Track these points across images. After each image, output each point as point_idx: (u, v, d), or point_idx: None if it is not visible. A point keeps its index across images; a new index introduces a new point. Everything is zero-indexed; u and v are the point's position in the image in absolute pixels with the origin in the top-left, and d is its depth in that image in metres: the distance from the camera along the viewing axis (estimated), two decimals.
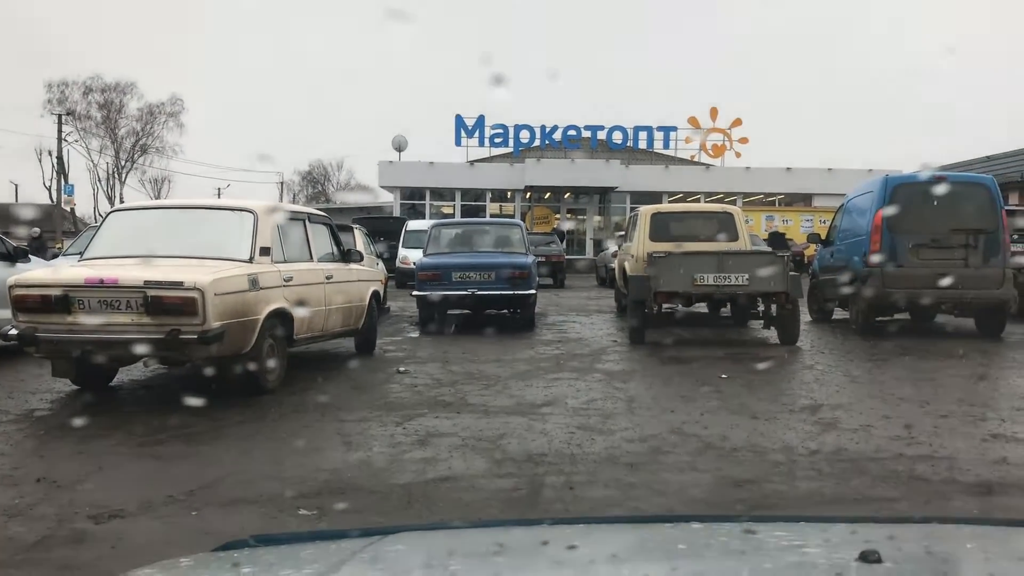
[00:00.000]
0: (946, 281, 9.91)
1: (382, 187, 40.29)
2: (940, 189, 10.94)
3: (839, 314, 12.49)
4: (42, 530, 3.78)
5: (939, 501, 4.23)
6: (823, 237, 13.37)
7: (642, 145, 37.19)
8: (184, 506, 4.11)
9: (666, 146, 37.30)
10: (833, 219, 13.24)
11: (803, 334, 10.35)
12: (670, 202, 32.55)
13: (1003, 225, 10.62)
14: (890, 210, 10.52)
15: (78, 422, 5.95)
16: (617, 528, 1.63)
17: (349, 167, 73.27)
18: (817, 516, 3.01)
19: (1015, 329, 11.17)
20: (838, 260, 12.00)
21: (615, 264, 15.57)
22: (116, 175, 53.95)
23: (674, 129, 36.90)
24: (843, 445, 5.30)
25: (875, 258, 10.56)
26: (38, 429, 5.89)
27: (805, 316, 11.57)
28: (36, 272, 6.99)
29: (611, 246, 21.36)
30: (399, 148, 36.50)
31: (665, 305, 10.33)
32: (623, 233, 16.24)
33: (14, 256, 9.07)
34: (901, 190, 10.77)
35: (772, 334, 10.38)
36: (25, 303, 6.30)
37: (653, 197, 32.44)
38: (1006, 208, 11.54)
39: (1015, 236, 12.98)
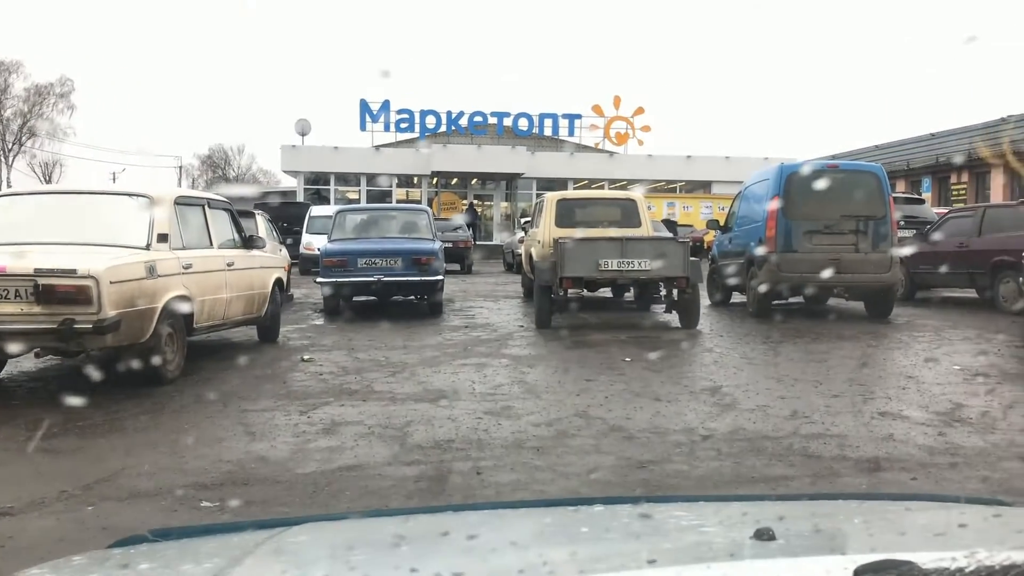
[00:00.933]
0: (836, 266, 10.34)
1: (285, 172, 39.55)
2: (832, 177, 11.38)
3: (737, 298, 12.86)
4: None
5: (831, 477, 4.42)
6: (722, 224, 13.73)
7: (547, 132, 37.41)
8: (79, 501, 3.98)
9: (571, 133, 37.62)
10: (731, 206, 13.61)
11: (703, 318, 10.62)
12: (575, 189, 32.88)
13: (891, 212, 11.10)
14: (785, 198, 10.88)
15: None
16: (521, 513, 1.65)
17: (251, 152, 71.66)
18: (714, 495, 3.12)
19: (902, 311, 11.71)
20: (736, 246, 12.35)
21: (522, 250, 15.66)
22: (2, 159, 51.41)
23: (579, 117, 37.24)
24: (741, 425, 5.48)
25: (770, 244, 10.91)
26: None
27: (705, 300, 11.88)
28: None
29: (517, 232, 21.48)
30: (303, 132, 35.80)
31: (570, 290, 10.46)
32: (529, 219, 16.35)
33: None
34: (795, 178, 11.15)
35: (673, 318, 10.62)
36: None
37: (559, 184, 32.71)
38: (893, 195, 12.08)
39: (902, 223, 13.60)
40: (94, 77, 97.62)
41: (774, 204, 10.96)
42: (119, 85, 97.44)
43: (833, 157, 30.44)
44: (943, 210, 17.60)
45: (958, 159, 27.91)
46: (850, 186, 11.28)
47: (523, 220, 22.62)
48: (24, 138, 52.22)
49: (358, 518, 1.78)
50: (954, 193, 29.70)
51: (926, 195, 28.22)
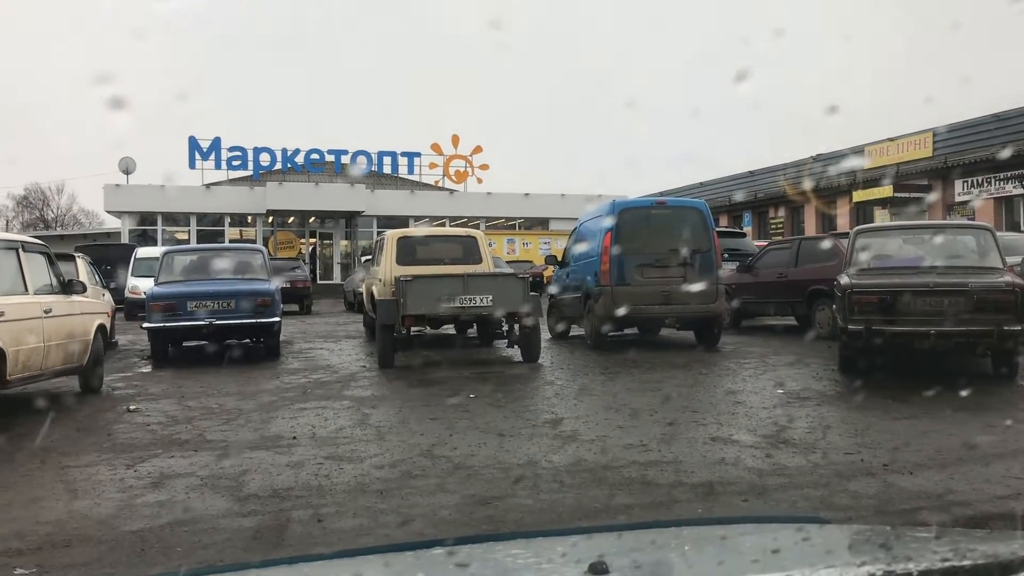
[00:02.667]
0: (667, 298, 10.79)
1: (108, 212, 37.59)
2: (660, 213, 11.92)
3: (576, 331, 13.16)
4: None
5: (669, 504, 4.57)
6: (559, 259, 14.06)
7: (387, 170, 37.34)
8: None
9: (410, 171, 37.71)
10: (568, 242, 13.97)
11: (544, 351, 10.81)
12: (416, 226, 32.91)
13: (715, 245, 11.70)
14: (617, 233, 11.28)
15: None
16: (360, 561, 1.62)
17: (71, 191, 67.68)
18: (552, 530, 3.15)
19: (729, 339, 12.32)
20: (573, 280, 12.67)
21: (363, 288, 15.48)
22: None
23: (418, 155, 37.40)
24: (582, 456, 5.58)
25: (605, 277, 11.26)
26: None
27: (545, 334, 12.09)
28: None
29: (358, 271, 21.24)
30: (127, 171, 34.20)
31: (413, 328, 10.41)
32: (370, 257, 16.20)
33: None
34: (626, 214, 11.59)
35: (516, 352, 10.75)
36: None
37: (399, 221, 32.67)
38: (717, 230, 12.74)
39: (725, 255, 14.35)
40: None
41: (607, 239, 11.33)
42: None
43: (661, 194, 31.96)
44: (763, 243, 18.70)
45: (775, 194, 29.88)
46: (677, 221, 11.83)
47: (364, 258, 22.39)
48: None
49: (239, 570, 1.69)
50: (772, 227, 31.70)
51: (747, 229, 30.00)
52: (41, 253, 7.95)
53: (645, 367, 9.95)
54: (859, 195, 26.16)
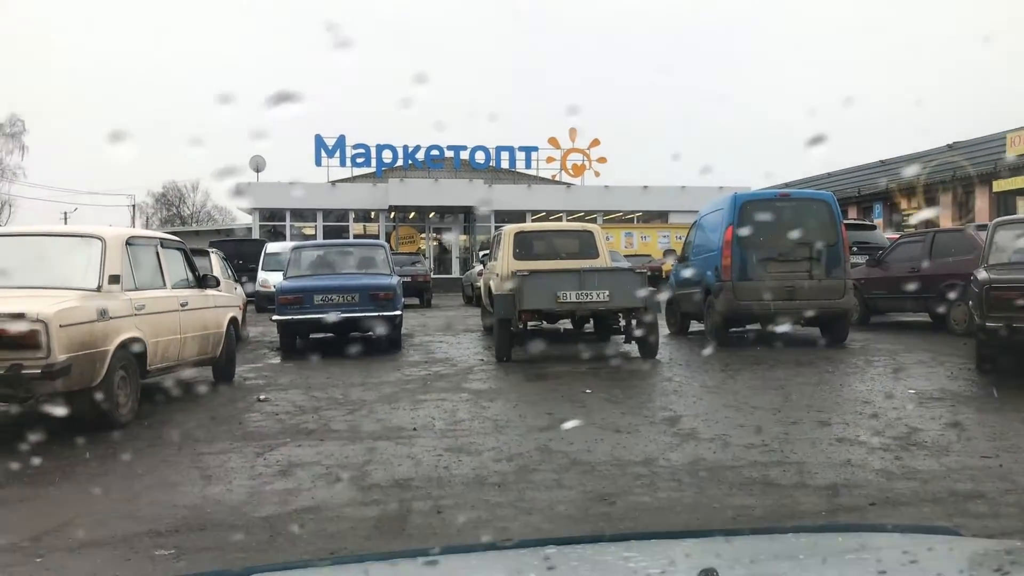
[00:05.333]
0: (792, 293, 10.49)
1: (240, 209, 39.24)
2: (784, 205, 11.57)
3: (695, 327, 12.95)
4: None
5: (790, 506, 4.44)
6: (679, 253, 13.85)
7: (504, 165, 37.62)
8: (28, 554, 3.86)
9: (528, 166, 37.87)
10: (687, 235, 13.76)
11: (662, 347, 10.68)
12: (533, 221, 33.05)
13: (843, 238, 11.30)
14: (739, 226, 11.03)
15: None
16: (480, 556, 1.63)
17: (205, 188, 70.85)
18: (663, 532, 3.11)
19: (857, 336, 11.88)
20: (693, 275, 12.47)
21: (481, 283, 15.67)
22: None
23: (535, 149, 37.51)
24: (701, 455, 5.49)
25: (726, 272, 11.03)
26: None
27: (663, 329, 11.95)
28: None
29: (476, 265, 21.50)
30: (257, 169, 35.61)
31: (530, 322, 10.46)
32: (488, 252, 16.38)
33: None
34: (749, 207, 11.32)
35: (633, 348, 10.66)
36: None
37: (516, 216, 32.87)
38: (845, 222, 12.29)
39: (854, 248, 13.83)
40: (45, 116, 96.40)
41: (729, 233, 11.10)
42: (71, 124, 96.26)
43: (785, 186, 31.02)
44: (894, 235, 17.95)
45: (907, 185, 28.59)
46: (803, 214, 11.48)
47: (482, 253, 22.65)
48: None
49: (313, 566, 1.75)
50: (904, 218, 30.37)
51: (877, 221, 28.82)
52: (178, 249, 8.36)
53: (768, 364, 9.70)
54: (1000, 184, 24.77)
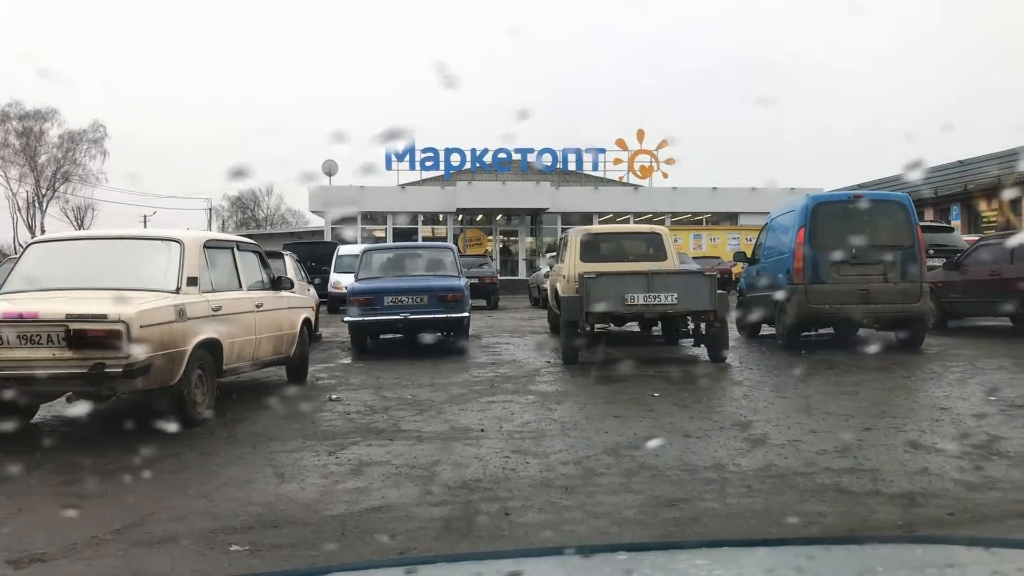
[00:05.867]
0: (866, 297, 10.26)
1: (313, 212, 39.96)
2: (859, 207, 11.31)
3: (766, 330, 12.75)
4: None
5: (864, 514, 4.35)
6: (749, 255, 13.67)
7: (571, 167, 37.57)
8: (110, 546, 4.00)
9: (595, 168, 37.75)
10: (758, 237, 13.55)
11: (731, 351, 10.55)
12: (600, 223, 32.93)
13: (919, 241, 11.00)
14: (811, 228, 10.83)
15: None
16: (549, 561, 1.64)
17: (279, 192, 72.35)
18: (736, 540, 3.06)
19: (934, 341, 11.55)
20: (764, 277, 12.27)
21: (547, 285, 15.68)
22: (37, 204, 52.45)
23: (602, 151, 37.39)
24: (772, 461, 5.41)
25: (798, 275, 10.84)
26: None
27: (733, 333, 11.79)
28: None
29: (542, 267, 21.51)
30: (329, 173, 36.28)
31: (597, 325, 10.43)
32: (555, 254, 16.38)
33: None
34: (822, 209, 11.10)
35: (702, 352, 10.55)
36: None
37: (583, 218, 32.80)
38: (921, 224, 11.97)
39: (931, 251, 13.45)
40: (125, 122, 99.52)
41: (801, 235, 10.91)
42: (150, 129, 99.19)
43: (859, 187, 30.30)
44: (973, 238, 17.40)
45: (987, 186, 27.67)
46: (877, 215, 11.21)
47: (548, 255, 22.65)
48: (58, 184, 53.25)
49: (385, 566, 1.78)
50: (984, 221, 29.39)
51: (955, 223, 27.96)
52: (253, 252, 8.56)
53: (840, 369, 9.50)
54: None
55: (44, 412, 7.33)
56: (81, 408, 6.12)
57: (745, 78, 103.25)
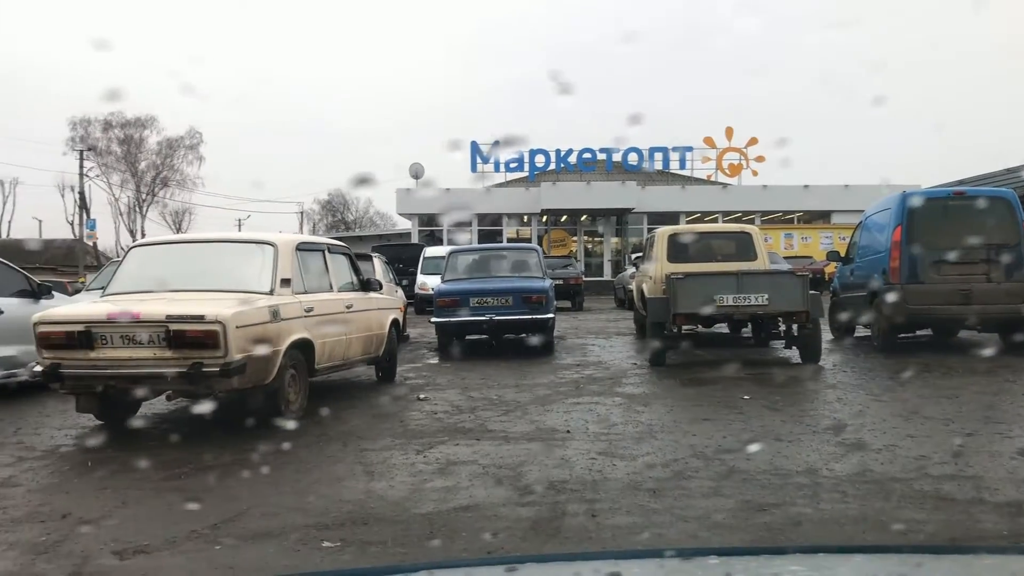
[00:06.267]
0: (967, 297, 9.86)
1: (400, 215, 40.55)
2: (959, 204, 10.89)
3: (860, 332, 12.40)
4: (68, 567, 3.80)
5: (967, 523, 4.18)
6: (842, 254, 13.31)
7: (658, 166, 37.22)
8: (208, 540, 4.13)
9: (682, 166, 37.32)
10: (852, 236, 13.18)
11: (825, 353, 10.29)
12: (687, 222, 32.54)
13: None
14: (908, 226, 10.48)
15: (102, 457, 6.01)
16: (648, 563, 1.61)
17: (367, 195, 73.69)
18: (834, 546, 2.97)
19: None
20: (858, 277, 11.93)
21: (633, 286, 15.56)
22: (137, 209, 54.65)
23: (690, 149, 36.94)
24: (868, 466, 5.25)
25: (895, 275, 10.50)
26: (63, 465, 5.94)
27: (826, 334, 11.50)
28: (59, 308, 7.08)
29: (628, 268, 21.36)
30: (416, 176, 36.80)
31: (685, 326, 10.30)
32: (641, 255, 16.24)
33: (38, 293, 9.18)
34: (920, 206, 10.73)
35: (793, 354, 10.32)
36: (49, 339, 6.37)
37: (670, 218, 32.46)
38: None
39: None
40: (220, 129, 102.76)
41: (897, 233, 10.56)
42: (244, 135, 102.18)
43: (960, 182, 29.18)
44: None
45: None
46: (979, 213, 10.77)
47: (634, 255, 22.47)
48: (157, 189, 55.37)
49: (477, 564, 1.78)
50: None
51: None
52: (343, 254, 8.73)
53: (940, 372, 9.17)
54: None
55: (145, 409, 7.61)
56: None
57: (851, 76, 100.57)
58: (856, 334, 12.57)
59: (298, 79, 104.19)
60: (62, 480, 5.56)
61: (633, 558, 1.64)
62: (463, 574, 1.60)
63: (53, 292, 9.56)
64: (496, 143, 36.12)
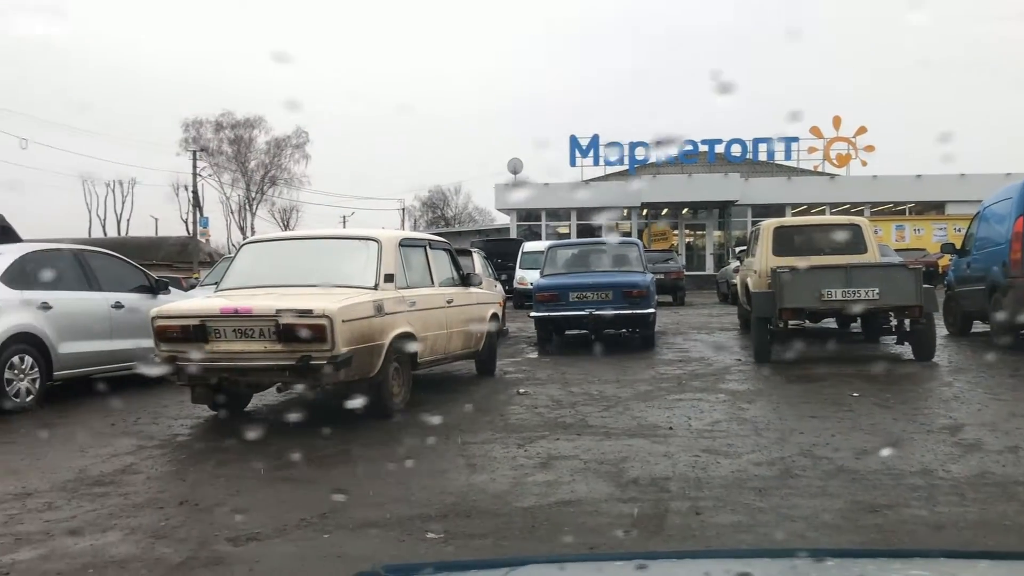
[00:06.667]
0: None
1: (498, 210, 40.80)
2: None
3: (978, 327, 11.86)
4: (185, 552, 3.96)
5: None
6: (958, 247, 12.75)
7: (762, 157, 36.39)
8: (316, 529, 4.24)
9: (787, 157, 36.40)
10: (969, 227, 12.62)
11: (939, 349, 9.88)
12: (793, 215, 31.73)
13: None
14: None
15: (215, 447, 6.25)
16: (779, 563, 1.57)
17: (467, 191, 74.45)
18: (958, 551, 2.85)
19: None
20: (975, 271, 11.41)
21: (737, 280, 15.27)
22: (247, 207, 56.54)
23: (796, 140, 35.98)
24: (988, 468, 5.02)
25: (1016, 267, 10.00)
26: (180, 453, 6.20)
27: (940, 330, 11.04)
28: (175, 303, 7.39)
29: (732, 262, 21.00)
30: (514, 171, 36.92)
31: (791, 321, 10.05)
32: (745, 248, 15.92)
33: (156, 288, 9.60)
34: None
35: (906, 350, 9.95)
36: (166, 333, 6.65)
37: (775, 210, 31.69)
38: None
39: None
40: (325, 128, 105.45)
41: (1020, 224, 10.05)
42: (348, 134, 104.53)
43: None
44: None
45: None
46: None
47: (738, 249, 22.05)
48: (266, 187, 57.18)
49: (584, 560, 1.78)
50: None
51: None
52: (444, 250, 8.84)
53: None
54: None
55: (256, 401, 7.87)
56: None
57: (957, 54, 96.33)
58: (973, 330, 12.03)
59: (398, 74, 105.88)
60: (179, 468, 5.80)
61: (763, 556, 1.61)
62: (594, 568, 1.60)
63: (169, 288, 9.99)
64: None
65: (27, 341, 7.84)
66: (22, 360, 7.77)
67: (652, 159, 35.95)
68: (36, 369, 7.90)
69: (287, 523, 4.30)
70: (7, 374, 7.61)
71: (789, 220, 14.83)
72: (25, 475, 5.48)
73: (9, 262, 8.09)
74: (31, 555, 3.96)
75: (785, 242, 11.73)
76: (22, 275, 8.13)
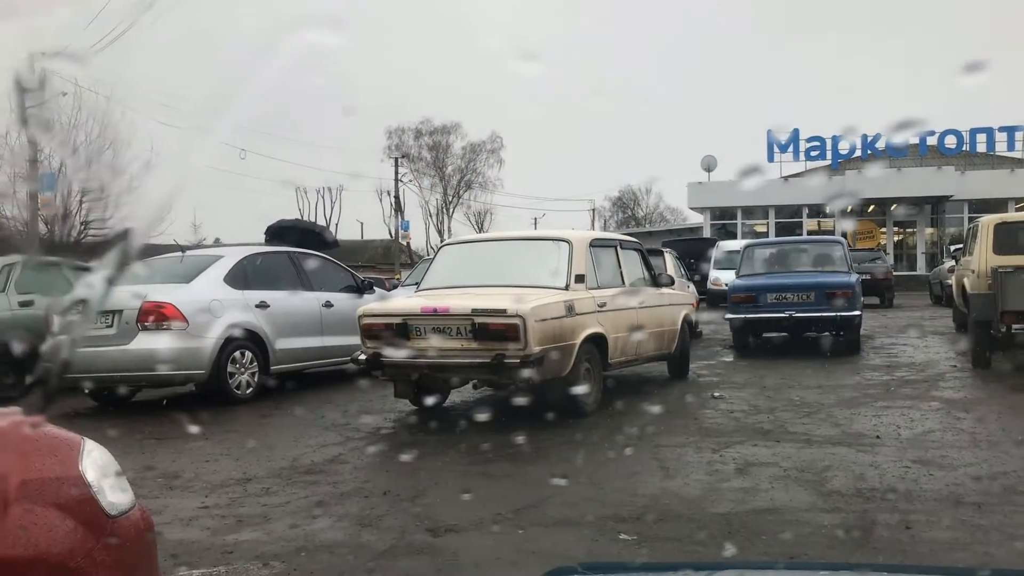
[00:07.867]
0: None
1: (691, 209, 40.05)
2: None
3: None
4: (389, 540, 4.14)
5: None
6: None
7: (980, 148, 33.73)
8: (511, 524, 4.32)
9: (1010, 148, 33.54)
10: None
11: None
12: (1016, 210, 29.21)
13: None
14: None
15: (416, 440, 6.50)
16: None
17: (658, 191, 73.47)
18: None
19: None
20: None
21: (952, 281, 14.24)
22: (444, 210, 58.51)
23: (1019, 128, 33.08)
24: None
25: None
26: (383, 446, 6.50)
27: None
28: (379, 303, 7.77)
29: (946, 261, 19.64)
30: (708, 168, 36.09)
31: (1014, 325, 9.25)
32: (961, 246, 14.82)
33: (362, 289, 10.13)
34: None
35: None
36: (371, 331, 7.01)
37: (995, 205, 29.30)
38: None
39: None
40: (517, 130, 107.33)
41: None
42: (537, 137, 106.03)
43: None
44: None
45: None
46: None
47: (953, 248, 20.55)
48: (462, 191, 58.95)
49: (787, 568, 1.71)
50: None
51: None
52: (635, 250, 8.78)
53: None
54: None
55: (454, 397, 8.12)
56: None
57: None
58: None
59: (584, 74, 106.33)
60: (383, 460, 6.08)
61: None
62: None
63: (374, 288, 10.51)
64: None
65: (247, 338, 8.48)
66: (243, 355, 8.43)
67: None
68: (255, 364, 8.54)
69: (483, 517, 4.41)
70: (230, 368, 8.28)
71: (1012, 216, 13.67)
72: (246, 461, 5.92)
73: (231, 264, 8.81)
74: (251, 536, 4.28)
75: (1007, 240, 10.79)
76: (243, 276, 8.83)
